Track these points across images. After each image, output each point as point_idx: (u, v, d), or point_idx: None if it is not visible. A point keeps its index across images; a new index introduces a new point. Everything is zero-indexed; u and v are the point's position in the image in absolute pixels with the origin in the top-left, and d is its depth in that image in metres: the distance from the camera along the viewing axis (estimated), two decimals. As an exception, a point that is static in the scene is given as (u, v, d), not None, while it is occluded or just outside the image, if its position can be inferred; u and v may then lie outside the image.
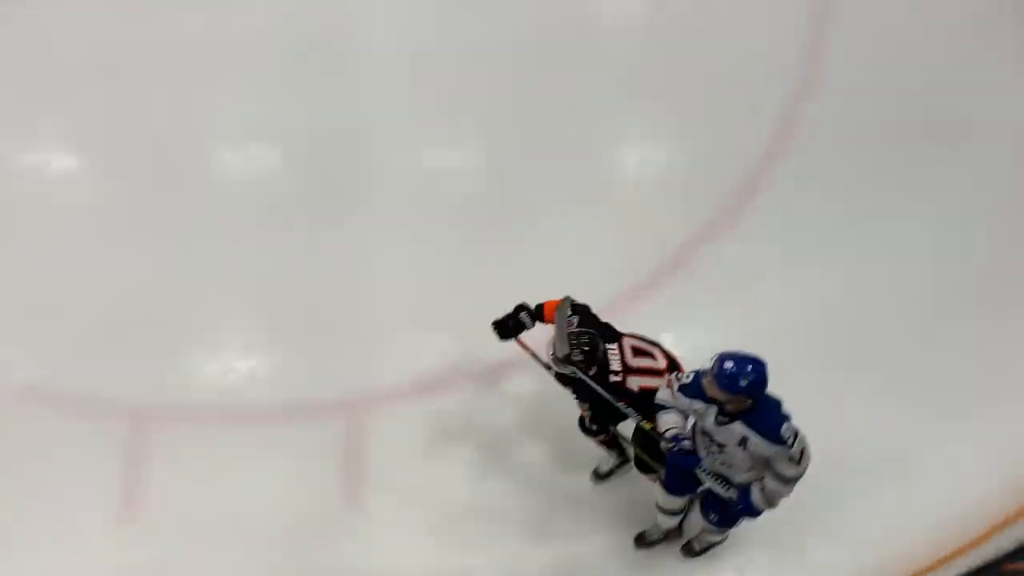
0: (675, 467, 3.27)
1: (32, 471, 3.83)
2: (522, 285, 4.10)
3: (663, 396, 3.15)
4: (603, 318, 3.46)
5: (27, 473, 3.82)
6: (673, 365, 3.45)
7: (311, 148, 4.61)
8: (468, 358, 4.14)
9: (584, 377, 3.26)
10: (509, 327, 3.52)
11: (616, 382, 3.30)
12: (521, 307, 3.53)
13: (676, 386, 3.08)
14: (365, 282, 4.28)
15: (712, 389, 2.85)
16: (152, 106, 4.63)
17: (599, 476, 3.89)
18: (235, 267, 4.29)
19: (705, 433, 3.05)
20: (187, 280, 4.27)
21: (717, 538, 3.59)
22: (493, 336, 3.50)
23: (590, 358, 3.26)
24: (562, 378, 3.43)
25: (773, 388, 2.85)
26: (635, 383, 3.33)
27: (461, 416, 4.06)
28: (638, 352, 3.43)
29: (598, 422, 3.56)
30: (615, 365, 3.32)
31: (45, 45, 4.71)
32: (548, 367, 3.47)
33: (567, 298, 3.35)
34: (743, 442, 2.92)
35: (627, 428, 3.50)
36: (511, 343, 3.54)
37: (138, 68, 4.65)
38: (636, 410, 3.30)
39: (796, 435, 2.88)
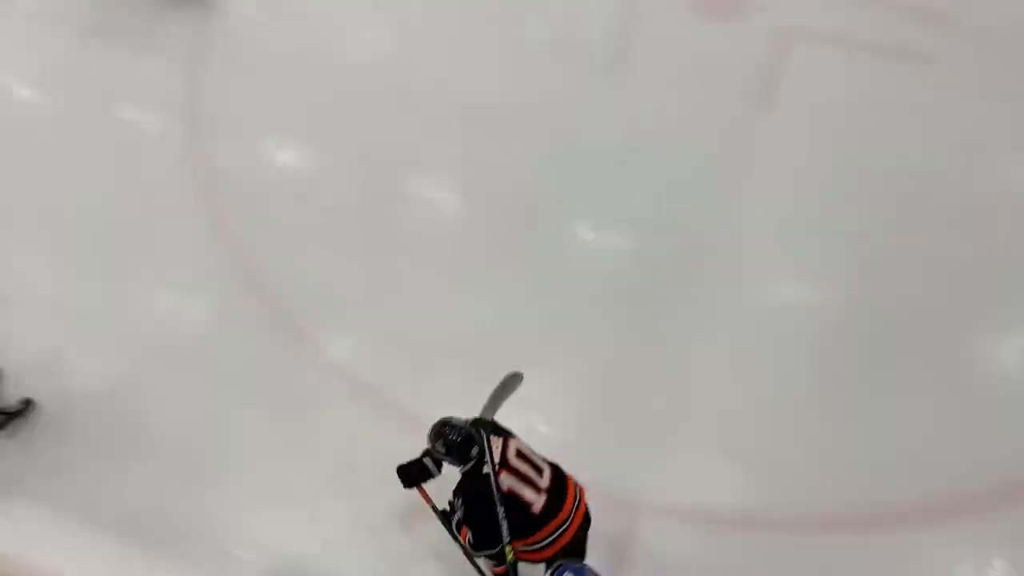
0: None
1: (338, 461, 4.21)
2: (850, 448, 3.80)
3: None
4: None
5: (333, 461, 4.21)
6: (556, 490, 3.22)
7: (666, 243, 4.71)
8: (763, 503, 3.90)
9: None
10: (412, 475, 3.35)
11: (487, 474, 3.12)
12: (427, 452, 3.32)
13: None
14: (682, 390, 4.23)
15: None
16: (526, 169, 5.05)
17: None
18: (566, 336, 4.46)
19: None
20: (520, 332, 4.51)
21: None
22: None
23: (459, 446, 3.19)
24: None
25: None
26: (506, 482, 3.14)
27: (735, 556, 3.85)
28: (523, 456, 3.25)
29: (478, 548, 3.22)
30: (494, 456, 3.17)
31: (451, 98, 5.34)
32: (446, 521, 3.35)
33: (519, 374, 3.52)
34: None
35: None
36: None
37: (532, 130, 5.09)
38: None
39: None
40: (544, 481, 3.24)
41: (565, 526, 3.21)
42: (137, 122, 5.72)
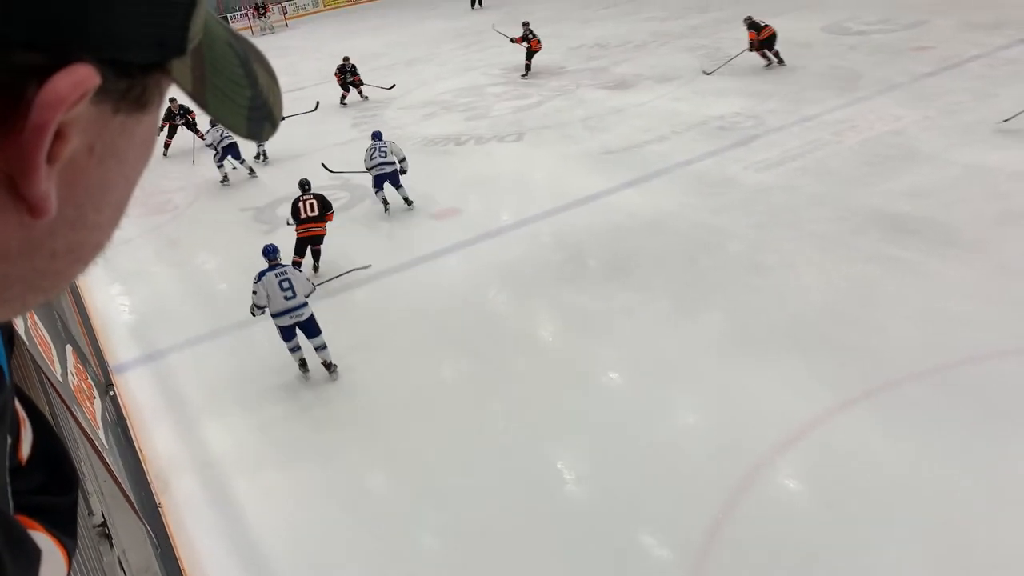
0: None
1: None
2: None
3: None
4: None
5: None
6: (311, 220, 9.30)
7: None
8: None
9: None
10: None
11: (297, 197, 9.50)
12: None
13: None
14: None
15: None
16: None
17: None
18: None
19: None
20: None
21: None
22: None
23: (301, 186, 9.62)
24: None
25: None
26: (298, 204, 9.30)
27: None
28: (311, 205, 9.17)
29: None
30: (301, 199, 9.38)
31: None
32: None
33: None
34: None
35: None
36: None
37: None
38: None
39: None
40: (310, 215, 9.13)
41: (306, 231, 9.23)
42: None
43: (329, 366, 7.43)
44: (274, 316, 7.19)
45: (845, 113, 11.99)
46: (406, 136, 14.69)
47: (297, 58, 23.95)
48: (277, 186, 12.76)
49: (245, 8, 32.78)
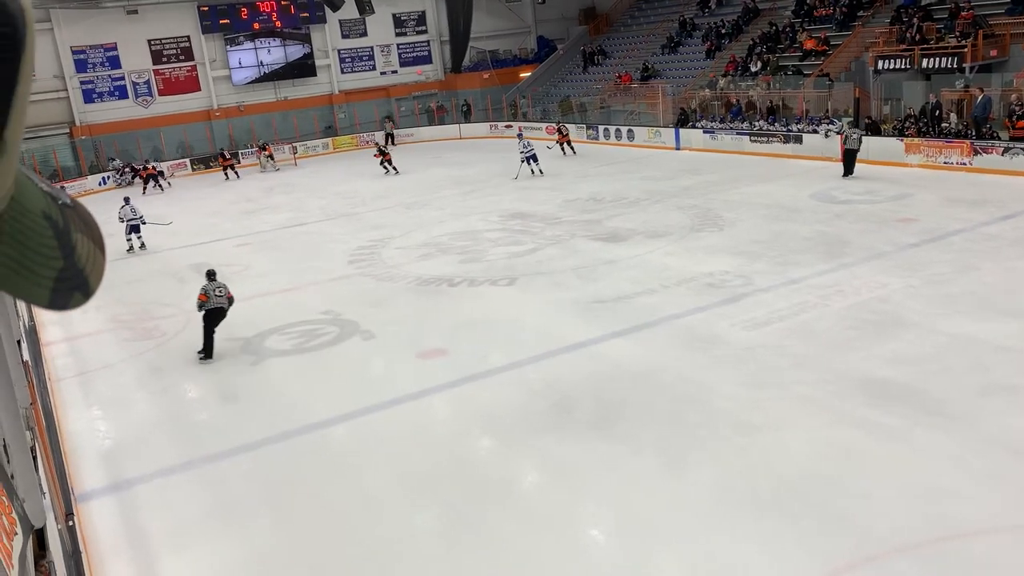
0: None
1: None
2: None
3: None
4: None
5: None
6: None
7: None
8: None
9: None
10: None
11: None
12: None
13: None
14: None
15: None
16: None
17: None
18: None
19: None
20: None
21: None
22: None
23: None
24: None
25: None
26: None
27: None
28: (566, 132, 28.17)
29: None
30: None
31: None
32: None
33: None
34: None
35: None
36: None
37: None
38: None
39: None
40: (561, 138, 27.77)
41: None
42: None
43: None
44: None
45: (831, 277, 12.23)
46: (400, 275, 14.90)
47: (304, 195, 24.70)
48: (265, 319, 12.82)
49: (254, 146, 33.91)
